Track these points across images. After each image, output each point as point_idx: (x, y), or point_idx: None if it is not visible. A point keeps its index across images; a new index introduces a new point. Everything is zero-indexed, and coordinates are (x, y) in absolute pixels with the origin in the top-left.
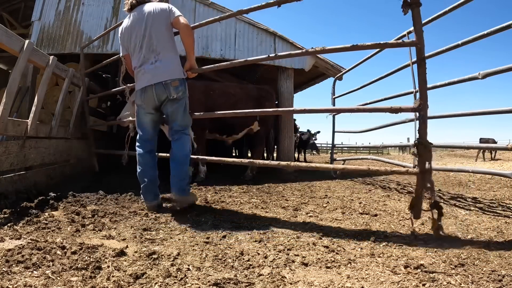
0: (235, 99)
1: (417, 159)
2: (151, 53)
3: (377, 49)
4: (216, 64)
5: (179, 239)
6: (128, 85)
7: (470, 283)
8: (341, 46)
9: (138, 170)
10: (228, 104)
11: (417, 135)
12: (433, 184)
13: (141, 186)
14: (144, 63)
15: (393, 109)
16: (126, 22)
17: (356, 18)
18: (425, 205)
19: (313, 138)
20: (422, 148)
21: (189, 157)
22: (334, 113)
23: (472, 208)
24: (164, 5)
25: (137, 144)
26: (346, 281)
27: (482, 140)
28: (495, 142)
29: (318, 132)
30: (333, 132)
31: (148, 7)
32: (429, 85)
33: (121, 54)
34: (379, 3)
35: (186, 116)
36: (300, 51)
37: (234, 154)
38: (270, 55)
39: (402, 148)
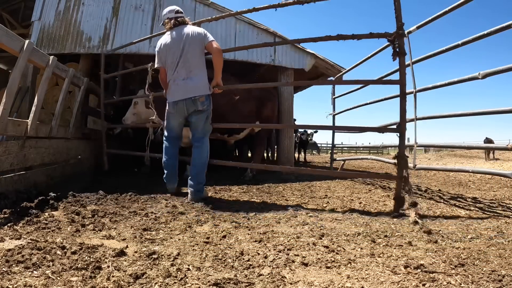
0: (236, 99)
1: (410, 158)
2: (184, 70)
3: (376, 51)
4: (241, 85)
5: (179, 239)
6: (152, 93)
7: (470, 283)
8: (348, 80)
9: (164, 159)
10: (230, 104)
11: (416, 141)
12: (411, 186)
13: (165, 172)
14: (178, 78)
15: (380, 129)
16: (166, 38)
17: (355, 20)
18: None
19: (309, 138)
20: (400, 159)
21: (207, 163)
22: (333, 114)
23: (472, 208)
24: (200, 30)
25: (165, 140)
26: (346, 281)
27: (487, 140)
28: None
29: (316, 131)
30: (333, 132)
31: (186, 30)
32: (429, 85)
33: (156, 65)
34: (379, 6)
35: (207, 125)
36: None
37: (234, 154)
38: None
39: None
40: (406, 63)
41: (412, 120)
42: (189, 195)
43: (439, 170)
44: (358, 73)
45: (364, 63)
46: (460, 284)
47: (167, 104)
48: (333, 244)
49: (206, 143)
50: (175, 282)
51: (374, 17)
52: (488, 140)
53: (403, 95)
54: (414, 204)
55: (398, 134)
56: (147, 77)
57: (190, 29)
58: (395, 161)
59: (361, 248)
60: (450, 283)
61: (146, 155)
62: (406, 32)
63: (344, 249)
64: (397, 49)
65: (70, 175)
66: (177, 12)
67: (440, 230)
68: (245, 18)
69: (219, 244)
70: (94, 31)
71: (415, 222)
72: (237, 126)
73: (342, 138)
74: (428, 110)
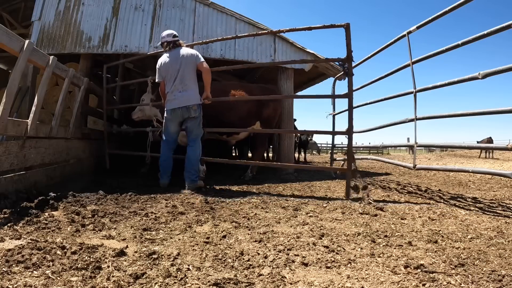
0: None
1: (412, 158)
2: (180, 84)
3: (377, 51)
4: (225, 97)
5: (179, 239)
6: (152, 103)
7: (470, 283)
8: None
9: (160, 159)
10: (227, 104)
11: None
12: (358, 175)
13: (160, 169)
14: (175, 90)
15: (332, 132)
16: (165, 58)
17: (355, 18)
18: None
19: (309, 138)
20: (349, 155)
21: (199, 158)
22: (333, 114)
23: (472, 208)
24: (193, 51)
25: (162, 143)
26: (346, 281)
27: (489, 139)
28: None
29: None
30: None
31: (182, 51)
32: (429, 85)
33: (157, 80)
34: (378, 4)
35: (199, 129)
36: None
37: (234, 154)
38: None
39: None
40: (406, 63)
41: (412, 120)
42: (186, 184)
43: (439, 170)
44: (359, 74)
45: (366, 64)
46: (460, 284)
47: (165, 112)
48: (333, 244)
49: (198, 143)
50: (175, 282)
51: (375, 21)
52: (488, 140)
53: (350, 107)
54: (365, 188)
55: (346, 136)
56: (147, 88)
57: (185, 51)
58: (345, 156)
59: (361, 248)
60: (450, 283)
61: (147, 155)
62: (406, 32)
63: (344, 249)
64: (346, 70)
65: (70, 175)
66: (174, 36)
67: (440, 230)
68: (245, 18)
69: (219, 244)
70: (94, 31)
71: (369, 202)
72: (225, 130)
73: (342, 138)
74: (428, 110)
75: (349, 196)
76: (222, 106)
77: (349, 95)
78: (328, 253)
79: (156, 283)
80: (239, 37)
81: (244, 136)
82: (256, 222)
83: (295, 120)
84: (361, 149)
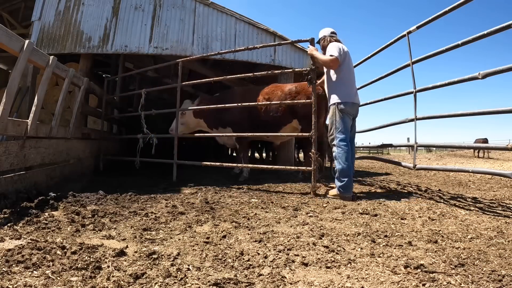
0: (267, 98)
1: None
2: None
3: (376, 51)
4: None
5: (179, 239)
6: (143, 112)
7: (470, 283)
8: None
9: (346, 166)
10: (263, 105)
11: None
12: (320, 176)
13: (347, 181)
14: (354, 85)
15: (296, 135)
16: (344, 47)
17: (355, 18)
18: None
19: None
20: (312, 155)
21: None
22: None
23: (472, 208)
24: None
25: (345, 146)
26: (346, 281)
27: (484, 141)
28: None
29: None
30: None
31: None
32: (429, 85)
33: (336, 55)
34: (378, 3)
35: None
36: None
37: (229, 154)
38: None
39: (410, 147)
40: (406, 62)
41: (412, 120)
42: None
43: (439, 170)
44: (358, 74)
45: (366, 64)
46: (460, 284)
47: (341, 104)
48: (333, 244)
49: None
50: (175, 282)
51: (377, 15)
52: (483, 141)
53: (314, 112)
54: (328, 186)
55: (310, 138)
56: (141, 100)
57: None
58: (310, 157)
59: (361, 248)
60: (450, 283)
61: (136, 160)
62: (406, 32)
63: (344, 249)
64: (310, 79)
65: (70, 175)
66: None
67: (440, 230)
68: (245, 18)
69: (219, 244)
70: (94, 31)
71: (326, 197)
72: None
73: None
74: (428, 110)
75: (315, 192)
76: (258, 107)
77: (313, 102)
78: (328, 253)
79: (156, 283)
80: (266, 46)
81: (287, 138)
82: (256, 222)
83: None
84: (361, 149)
